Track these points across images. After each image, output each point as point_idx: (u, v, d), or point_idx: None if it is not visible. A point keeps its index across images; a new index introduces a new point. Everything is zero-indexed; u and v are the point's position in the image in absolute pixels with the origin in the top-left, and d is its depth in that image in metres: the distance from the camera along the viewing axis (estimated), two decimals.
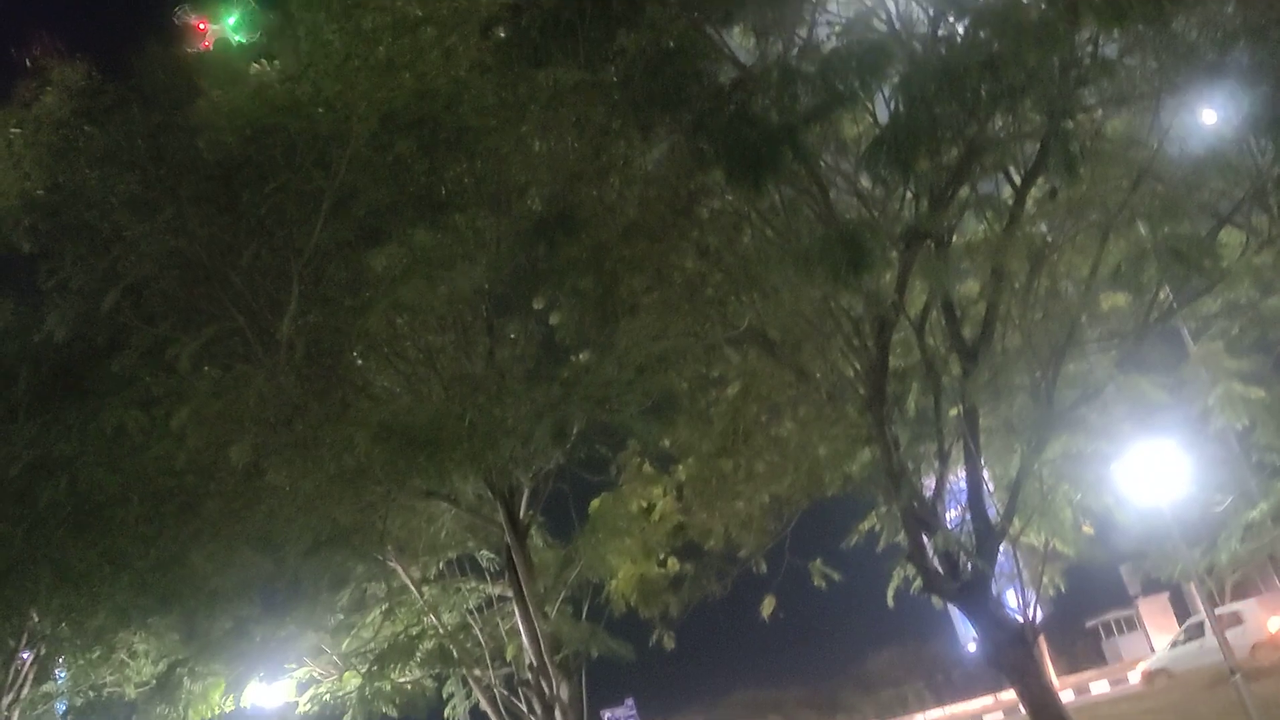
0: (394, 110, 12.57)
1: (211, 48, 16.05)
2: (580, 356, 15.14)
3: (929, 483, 15.70)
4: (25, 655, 18.53)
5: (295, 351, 13.13)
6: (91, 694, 19.61)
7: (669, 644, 19.76)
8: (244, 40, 15.76)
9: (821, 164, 13.48)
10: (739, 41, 14.08)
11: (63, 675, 19.87)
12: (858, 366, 14.78)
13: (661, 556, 20.22)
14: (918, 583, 16.46)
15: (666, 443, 18.79)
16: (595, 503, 18.93)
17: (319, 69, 13.01)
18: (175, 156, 12.76)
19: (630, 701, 52.70)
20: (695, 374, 16.05)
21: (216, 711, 21.04)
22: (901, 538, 15.88)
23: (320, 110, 12.93)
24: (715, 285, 14.66)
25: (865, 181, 13.46)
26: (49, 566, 14.03)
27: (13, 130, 13.49)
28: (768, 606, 19.93)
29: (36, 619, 16.63)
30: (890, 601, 18.63)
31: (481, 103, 13.32)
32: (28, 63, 13.26)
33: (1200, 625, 33.18)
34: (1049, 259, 14.30)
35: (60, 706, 20.40)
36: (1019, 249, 13.86)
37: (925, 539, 14.74)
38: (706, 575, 19.90)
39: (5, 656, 17.26)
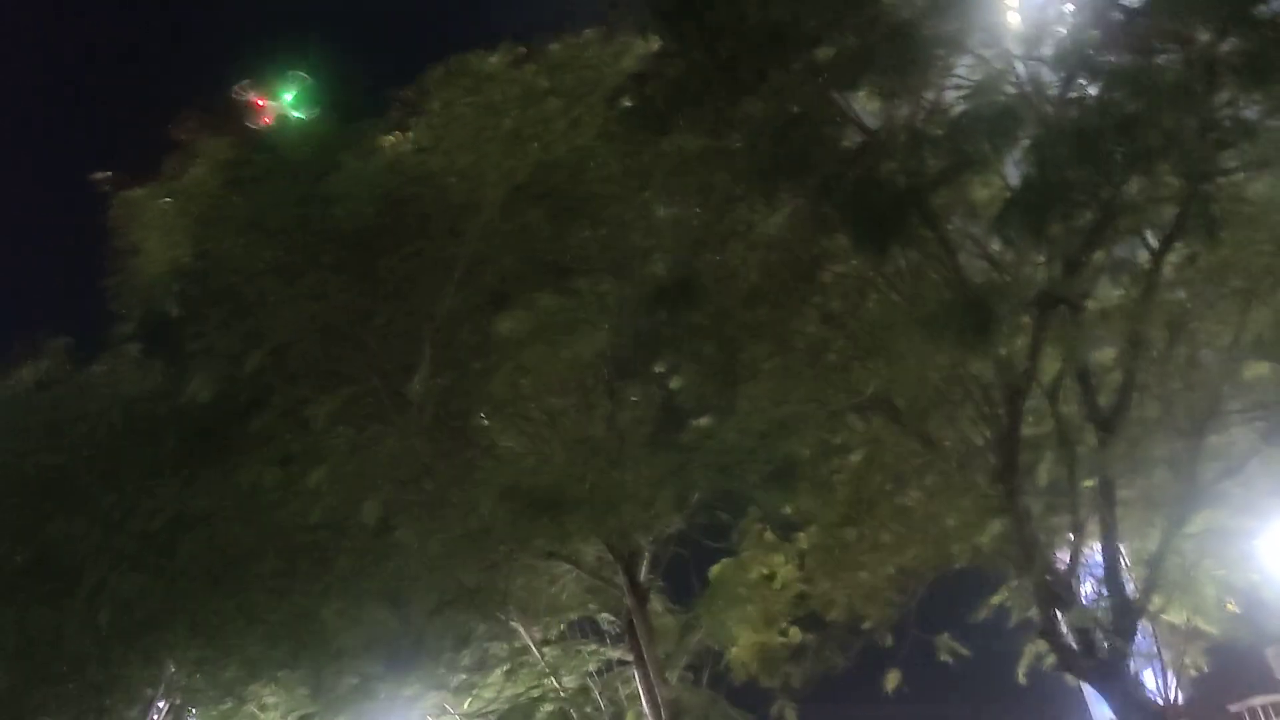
0: (523, 180, 12.90)
1: (271, 123, 16.69)
2: (701, 421, 15.14)
3: (1063, 556, 15.17)
4: (162, 704, 19.15)
5: (425, 413, 13.44)
6: None
7: (790, 717, 19.38)
8: (303, 116, 16.37)
9: (950, 227, 13.32)
10: (864, 105, 14.06)
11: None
12: (988, 435, 14.39)
13: (783, 625, 19.90)
14: (1051, 660, 15.85)
15: (788, 510, 18.58)
16: (716, 569, 18.78)
17: (451, 141, 13.48)
18: (315, 225, 13.30)
19: None
20: (818, 441, 15.84)
21: None
22: (1034, 613, 15.33)
23: (452, 180, 13.37)
24: (838, 351, 14.54)
25: (995, 245, 13.25)
26: (186, 618, 14.50)
27: (164, 201, 14.28)
28: (892, 681, 19.39)
29: (173, 669, 17.17)
30: (1022, 679, 17.92)
31: (606, 171, 13.58)
32: (179, 135, 14.01)
33: None
34: (1188, 326, 13.78)
35: None
36: (1157, 315, 13.41)
37: (1059, 614, 14.20)
38: (829, 646, 19.48)
39: (143, 705, 17.83)
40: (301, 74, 16.68)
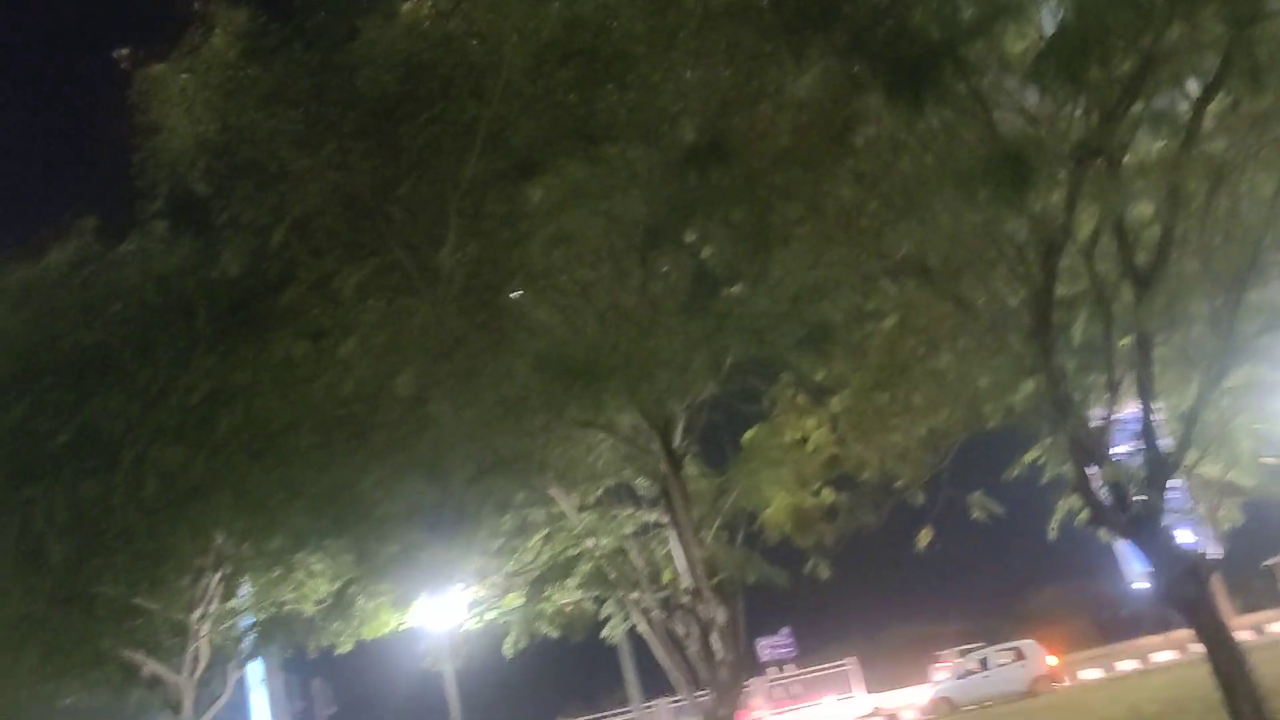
0: (546, 41, 12.57)
1: None
2: (733, 289, 15.06)
3: (1096, 413, 15.14)
4: (214, 576, 19.81)
5: (455, 284, 13.42)
6: (274, 610, 20.82)
7: (824, 573, 19.76)
8: None
9: (984, 81, 12.92)
10: None
11: (245, 593, 21.10)
12: (1022, 294, 14.24)
13: (816, 487, 20.15)
14: (1083, 515, 15.96)
15: (821, 375, 18.63)
16: (749, 433, 18.94)
17: (471, 2, 13.13)
18: (335, 94, 13.09)
19: (786, 631, 52.95)
20: (850, 306, 15.73)
21: (387, 629, 22.13)
22: (1067, 469, 15.40)
23: (474, 42, 13.05)
24: (871, 214, 14.31)
25: (1031, 99, 12.86)
26: (229, 491, 14.84)
27: (184, 75, 14.06)
28: (924, 538, 19.68)
29: (221, 540, 17.68)
30: (1053, 533, 18.12)
31: (632, 30, 13.21)
32: (194, 7, 13.72)
33: (983, 659, 36.30)
34: (1229, 178, 13.41)
35: (245, 621, 21.71)
36: (1197, 167, 13.02)
37: (1092, 470, 14.24)
38: (861, 506, 19.78)
39: (194, 575, 18.44)
40: None
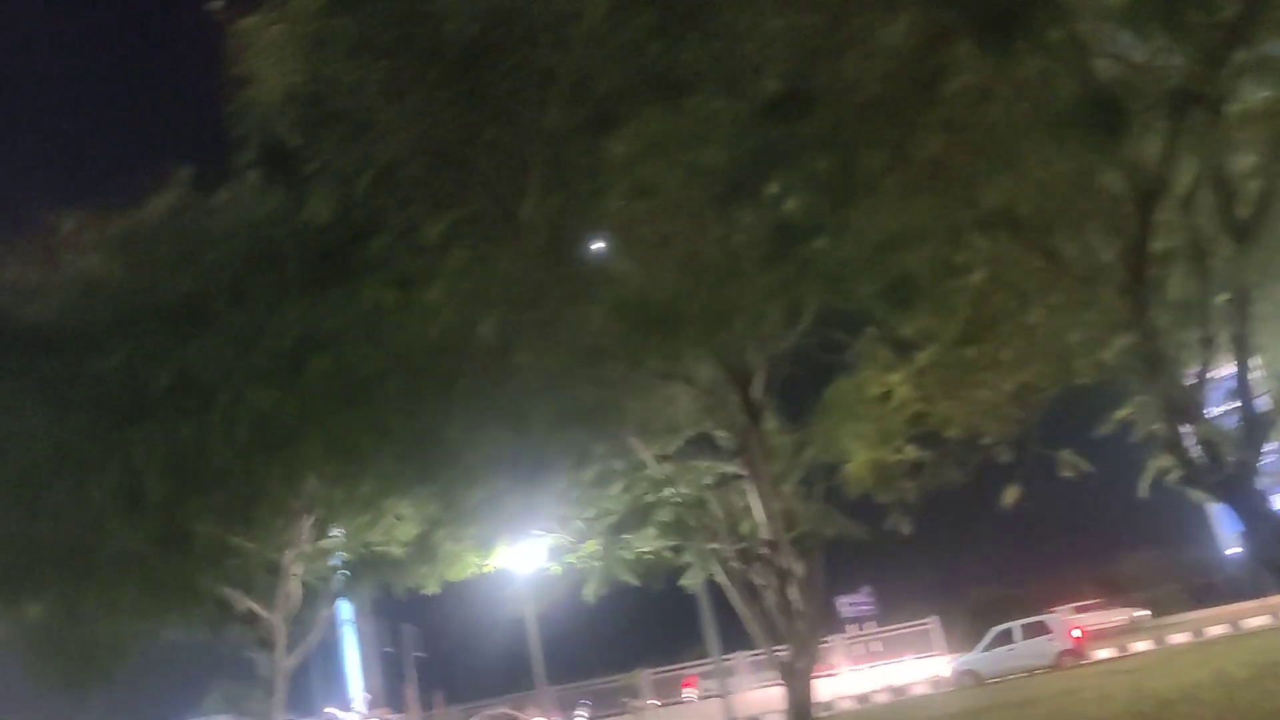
0: None
1: None
2: (816, 244, 14.92)
3: (1190, 370, 14.77)
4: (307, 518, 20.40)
5: (536, 234, 13.51)
6: (363, 550, 21.41)
7: (905, 529, 19.64)
8: None
9: (1080, 26, 12.55)
10: None
11: (336, 534, 21.69)
12: (1116, 248, 13.89)
13: (899, 443, 19.96)
14: (1175, 475, 15.61)
15: (906, 330, 18.39)
16: (831, 387, 18.82)
17: None
18: (421, 43, 13.18)
19: (866, 589, 52.72)
20: (937, 258, 15.47)
21: (471, 571, 22.62)
22: (1158, 428, 15.05)
23: None
24: (960, 164, 14.04)
25: (1128, 44, 12.47)
26: (320, 435, 15.24)
27: (274, 27, 14.28)
28: (1011, 496, 19.42)
29: (313, 484, 18.18)
30: (1145, 491, 17.71)
31: None
32: None
33: (1007, 632, 36.65)
34: None
35: (335, 561, 22.36)
36: None
37: (1185, 428, 13.91)
38: (946, 462, 19.56)
39: (287, 516, 19.00)
40: None
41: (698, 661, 45.28)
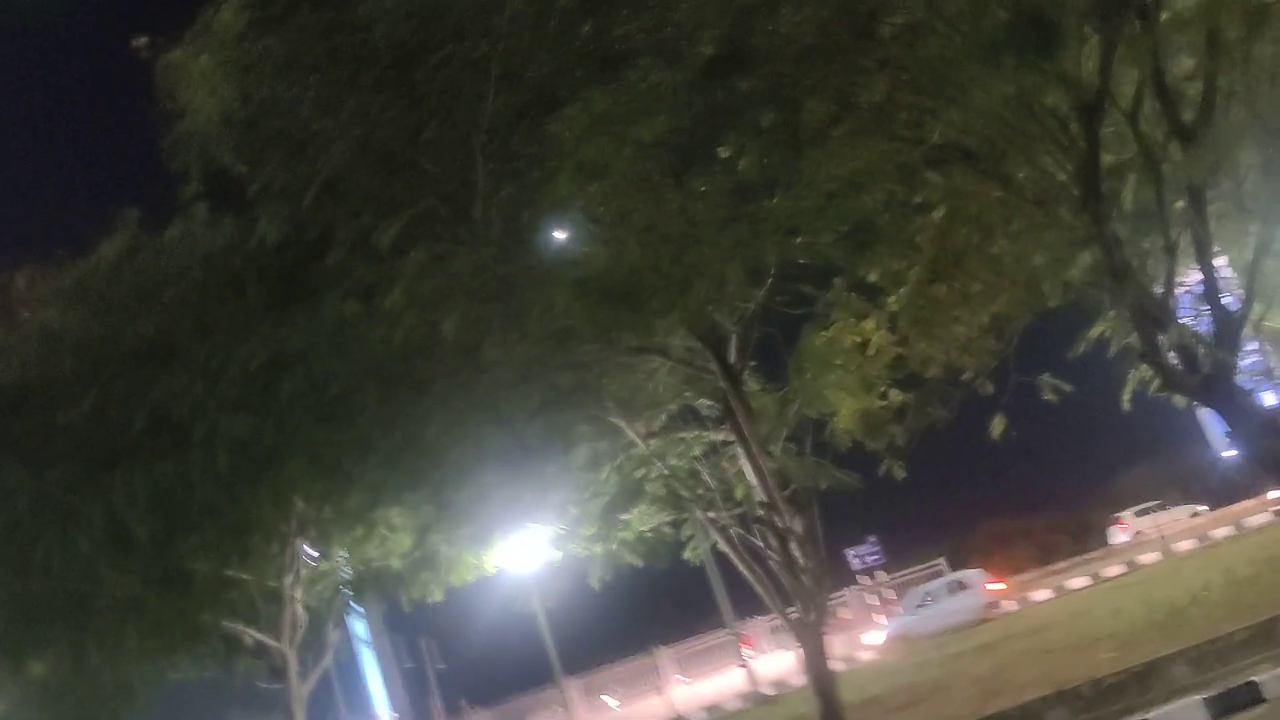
0: None
1: None
2: (772, 200, 14.90)
3: (1157, 279, 14.82)
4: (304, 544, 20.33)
5: (492, 226, 13.44)
6: (362, 568, 21.35)
7: (899, 474, 19.66)
8: None
9: None
10: None
11: (325, 553, 21.61)
12: (1068, 167, 13.91)
13: (882, 389, 19.98)
14: (1155, 384, 15.70)
15: (873, 275, 18.41)
16: (805, 340, 18.80)
17: None
18: (349, 52, 13.07)
19: (873, 540, 52.86)
20: (893, 199, 15.48)
21: (473, 573, 22.57)
22: (1133, 339, 15.11)
23: None
24: (904, 104, 14.02)
25: None
26: (301, 454, 15.20)
27: (201, 57, 14.15)
28: (998, 427, 19.44)
29: (301, 505, 18.11)
30: (1127, 405, 17.78)
31: None
32: None
33: (930, 592, 37.77)
34: (1271, 21, 12.90)
35: (338, 580, 22.30)
36: (1235, 12, 12.56)
37: (1159, 337, 13.97)
38: (930, 402, 19.58)
39: (281, 541, 18.94)
40: None
41: (716, 632, 45.43)
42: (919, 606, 38.06)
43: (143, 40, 14.98)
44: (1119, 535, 47.14)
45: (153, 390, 14.82)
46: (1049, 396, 19.09)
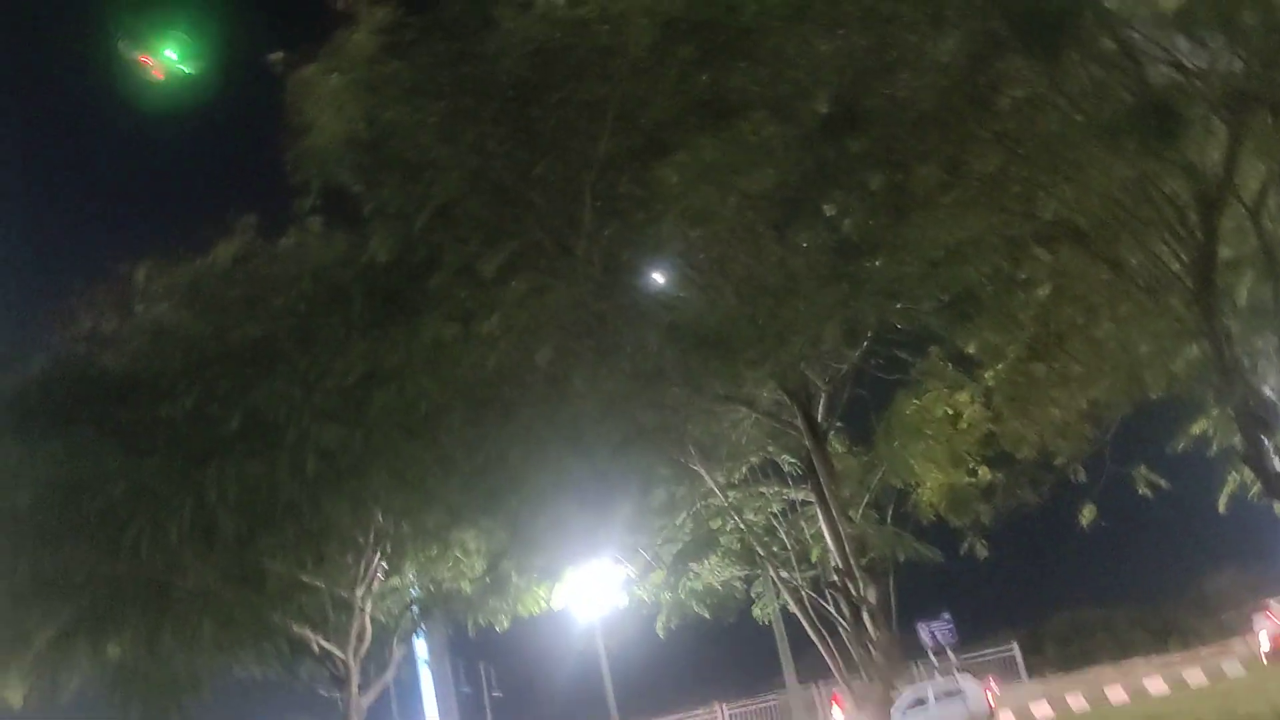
0: (673, 16, 12.61)
1: (163, 77, 16.44)
2: (874, 262, 14.84)
3: (1268, 379, 14.40)
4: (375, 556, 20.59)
5: (593, 263, 13.62)
6: (432, 588, 21.52)
7: (981, 551, 19.30)
8: (192, 71, 16.03)
9: (1131, 33, 12.38)
10: None
11: (406, 571, 21.84)
12: (1182, 256, 13.60)
13: (971, 465, 19.66)
14: (1256, 489, 15.19)
15: (971, 347, 18.17)
16: (896, 408, 18.59)
17: None
18: (473, 83, 13.40)
19: (947, 615, 51.40)
20: (998, 272, 15.29)
21: (542, 606, 22.60)
22: (1237, 440, 14.65)
23: (605, 26, 13.17)
24: (1016, 177, 13.89)
25: (1183, 49, 12.26)
26: (386, 468, 15.45)
27: (332, 75, 14.62)
28: (1087, 515, 19.02)
29: (380, 519, 18.37)
30: (1222, 508, 17.25)
31: (762, 3, 13.11)
32: (339, 6, 14.21)
33: (922, 700, 33.81)
34: None
35: (408, 598, 22.49)
36: None
37: (1264, 440, 13.52)
38: (1020, 483, 19.21)
39: (356, 552, 19.19)
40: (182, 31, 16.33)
41: (777, 694, 44.64)
42: (910, 709, 36.58)
43: (279, 55, 15.49)
44: (1263, 624, 42.82)
45: (252, 392, 15.22)
46: (1143, 490, 18.62)
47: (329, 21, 14.84)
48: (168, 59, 15.31)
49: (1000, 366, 18.46)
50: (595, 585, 24.01)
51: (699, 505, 19.63)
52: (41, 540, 16.43)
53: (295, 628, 19.00)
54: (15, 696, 23.67)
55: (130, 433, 16.42)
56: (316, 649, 19.63)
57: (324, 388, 14.72)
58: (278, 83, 15.19)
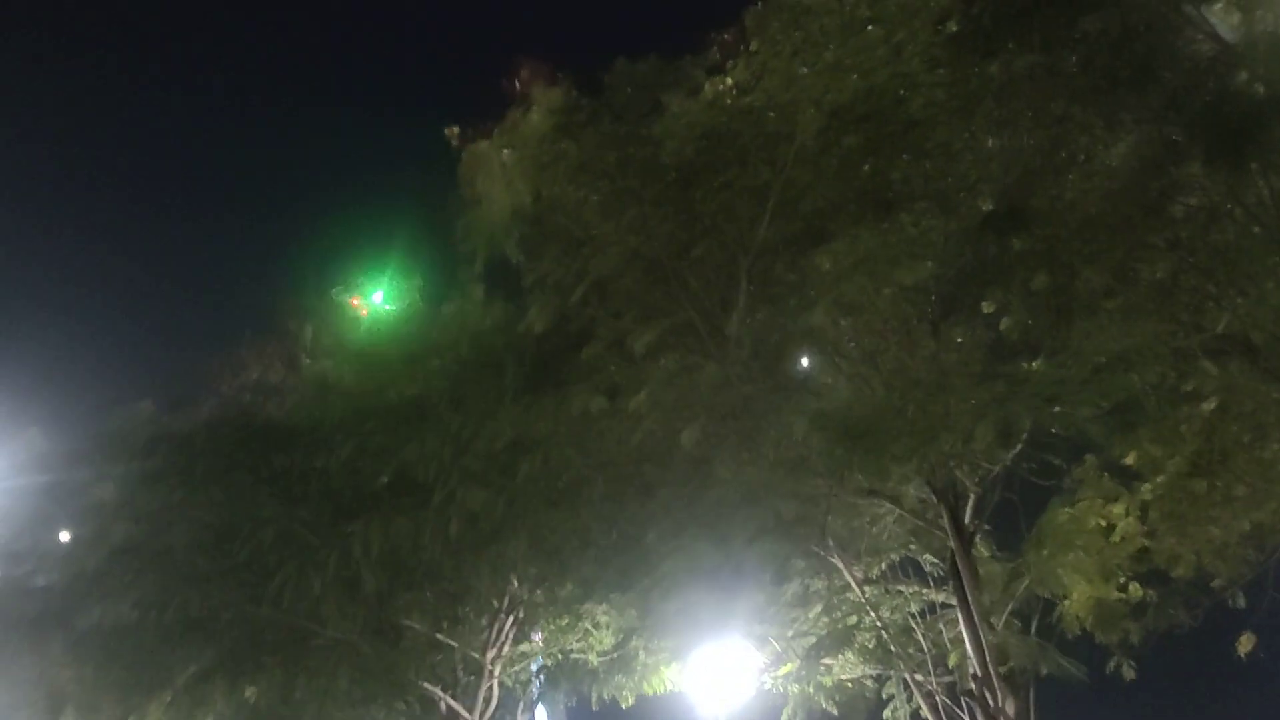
0: (840, 106, 12.75)
1: (367, 315, 17.34)
2: (1032, 364, 14.51)
3: None
4: (508, 620, 20.83)
5: (743, 346, 13.70)
6: (560, 657, 21.63)
7: (1128, 673, 18.33)
8: (394, 308, 16.91)
9: None
10: (1221, 19, 12.82)
11: (536, 638, 22.02)
12: None
13: (1122, 580, 18.81)
14: None
15: (1130, 458, 17.53)
16: (1048, 515, 17.95)
17: (770, 79, 13.51)
18: (638, 164, 13.79)
19: None
20: (1163, 383, 14.75)
21: (667, 686, 22.42)
22: None
23: (771, 114, 13.42)
24: (1187, 287, 13.46)
25: None
26: (526, 535, 15.69)
27: (504, 151, 15.27)
28: (1245, 644, 17.92)
29: (516, 585, 18.62)
30: None
31: (930, 97, 13.15)
32: (517, 89, 14.90)
33: None
34: None
35: (534, 666, 22.63)
36: None
37: None
38: (1173, 603, 18.30)
39: (490, 615, 19.46)
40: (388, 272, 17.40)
41: None
42: None
43: (455, 129, 16.25)
44: None
45: (404, 450, 15.72)
46: None
47: (503, 100, 15.56)
48: (373, 302, 16.73)
49: (1159, 480, 17.73)
50: (723, 670, 23.66)
51: (834, 600, 19.24)
52: (192, 581, 17.18)
53: (426, 686, 19.28)
54: None
55: (285, 481, 17.12)
56: (444, 709, 19.86)
57: (473, 451, 15.11)
58: (453, 155, 15.97)
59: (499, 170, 15.30)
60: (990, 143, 14.04)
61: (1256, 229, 12.85)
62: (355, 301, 18.46)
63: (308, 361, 18.56)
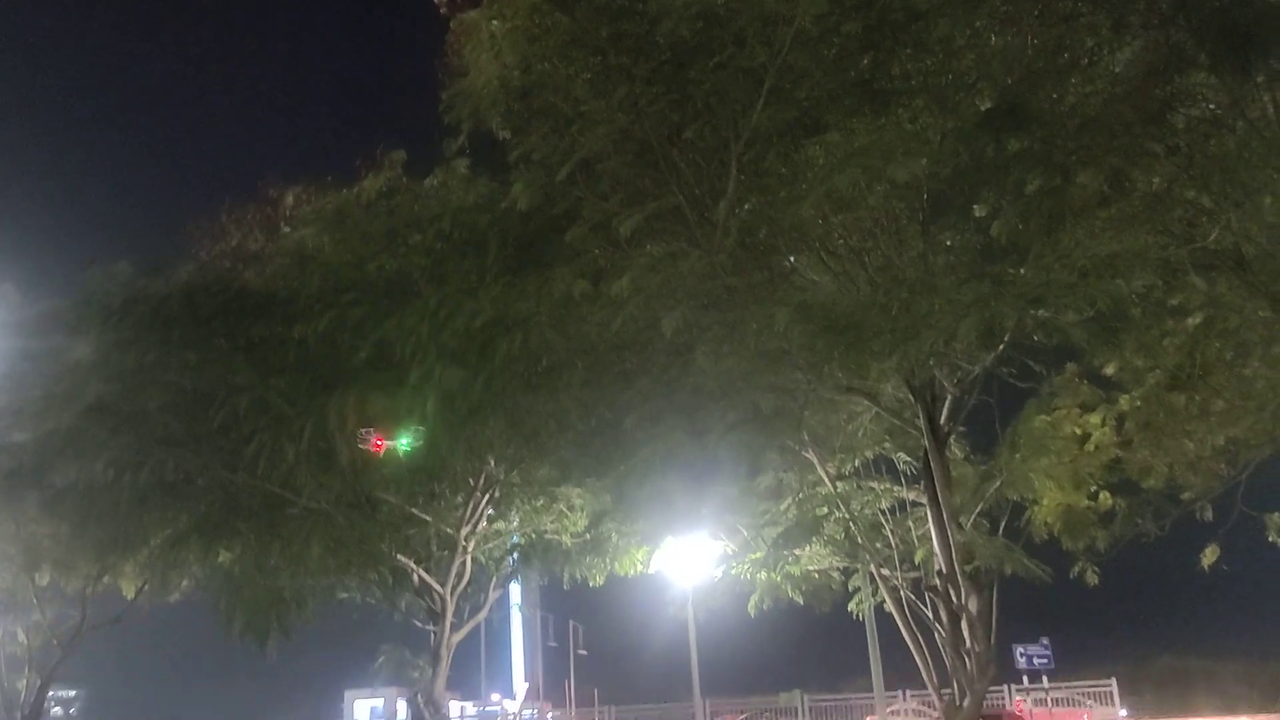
0: None
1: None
2: (1020, 267, 14.36)
3: None
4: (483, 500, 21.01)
5: (729, 235, 13.47)
6: (534, 537, 21.90)
7: (1092, 579, 18.68)
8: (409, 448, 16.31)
9: None
10: None
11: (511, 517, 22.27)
12: None
13: (1093, 488, 19.01)
14: None
15: (1111, 369, 17.56)
16: (1024, 421, 18.02)
17: None
18: (632, 41, 13.34)
19: (1045, 641, 50.03)
20: (1150, 293, 14.66)
21: (637, 568, 22.79)
22: None
23: None
24: (1182, 200, 13.27)
25: None
26: (504, 416, 15.67)
27: (494, 22, 14.75)
28: (1210, 556, 18.27)
29: (492, 465, 18.72)
30: None
31: None
32: None
33: None
34: None
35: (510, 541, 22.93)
36: None
37: None
38: (1142, 513, 18.56)
39: (466, 494, 19.63)
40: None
41: (860, 695, 44.16)
42: None
43: None
44: None
45: (383, 325, 15.56)
46: (1274, 538, 17.81)
47: None
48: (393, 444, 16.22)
49: (1138, 392, 17.83)
50: (693, 555, 24.04)
51: (806, 493, 19.41)
52: (166, 444, 17.16)
53: (400, 558, 19.51)
54: (128, 589, 24.98)
55: (262, 349, 17.00)
56: (417, 581, 20.14)
57: (452, 328, 14.94)
58: (442, 23, 15.44)
59: (488, 41, 14.79)
60: (993, 40, 13.65)
61: (1257, 142, 12.63)
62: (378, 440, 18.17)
63: (287, 230, 18.23)
